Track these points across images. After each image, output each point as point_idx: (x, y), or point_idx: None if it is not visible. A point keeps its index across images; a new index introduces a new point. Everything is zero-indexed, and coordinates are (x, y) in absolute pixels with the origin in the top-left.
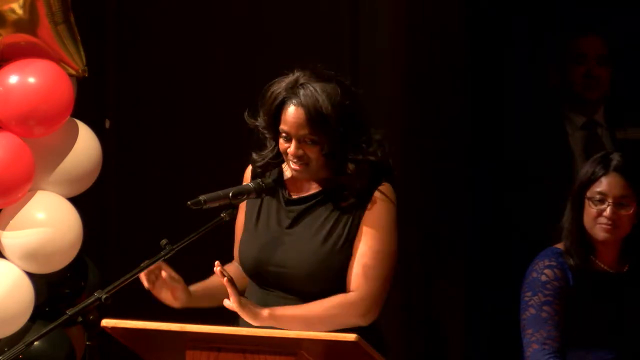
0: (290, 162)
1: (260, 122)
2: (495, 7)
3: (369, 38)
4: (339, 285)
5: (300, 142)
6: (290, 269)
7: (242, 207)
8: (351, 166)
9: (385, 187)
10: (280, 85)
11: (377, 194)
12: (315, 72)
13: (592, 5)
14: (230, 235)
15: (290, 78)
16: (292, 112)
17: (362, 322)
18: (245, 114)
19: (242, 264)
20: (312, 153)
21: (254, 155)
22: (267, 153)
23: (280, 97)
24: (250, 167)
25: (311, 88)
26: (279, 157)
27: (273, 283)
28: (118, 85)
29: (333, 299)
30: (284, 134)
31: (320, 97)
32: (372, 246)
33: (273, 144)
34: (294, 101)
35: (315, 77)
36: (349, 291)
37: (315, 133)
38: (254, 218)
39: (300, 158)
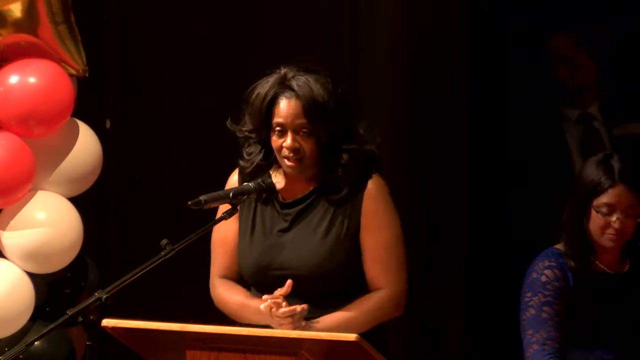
0: (285, 159)
1: (247, 126)
2: (495, 7)
3: (369, 38)
4: (342, 282)
5: (296, 133)
6: (294, 270)
7: (233, 221)
8: (345, 156)
9: (375, 178)
10: (267, 85)
11: (370, 186)
12: (301, 67)
13: (592, 4)
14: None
15: (276, 75)
16: (286, 104)
17: (398, 313)
18: (228, 121)
19: (243, 273)
20: (308, 145)
21: (242, 163)
22: (255, 156)
23: (271, 94)
24: (234, 174)
25: (303, 79)
26: (268, 159)
27: (277, 288)
28: (118, 85)
29: (368, 301)
30: (278, 128)
31: (314, 86)
32: (385, 240)
33: (259, 147)
34: (286, 94)
35: (304, 70)
36: (376, 288)
37: (311, 122)
38: (249, 228)
39: (295, 151)
